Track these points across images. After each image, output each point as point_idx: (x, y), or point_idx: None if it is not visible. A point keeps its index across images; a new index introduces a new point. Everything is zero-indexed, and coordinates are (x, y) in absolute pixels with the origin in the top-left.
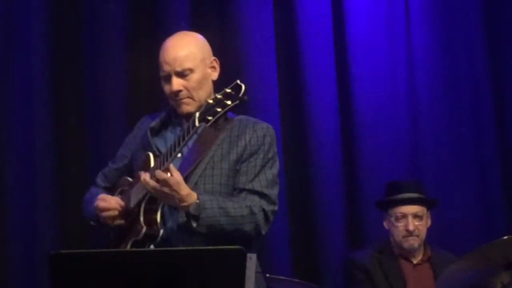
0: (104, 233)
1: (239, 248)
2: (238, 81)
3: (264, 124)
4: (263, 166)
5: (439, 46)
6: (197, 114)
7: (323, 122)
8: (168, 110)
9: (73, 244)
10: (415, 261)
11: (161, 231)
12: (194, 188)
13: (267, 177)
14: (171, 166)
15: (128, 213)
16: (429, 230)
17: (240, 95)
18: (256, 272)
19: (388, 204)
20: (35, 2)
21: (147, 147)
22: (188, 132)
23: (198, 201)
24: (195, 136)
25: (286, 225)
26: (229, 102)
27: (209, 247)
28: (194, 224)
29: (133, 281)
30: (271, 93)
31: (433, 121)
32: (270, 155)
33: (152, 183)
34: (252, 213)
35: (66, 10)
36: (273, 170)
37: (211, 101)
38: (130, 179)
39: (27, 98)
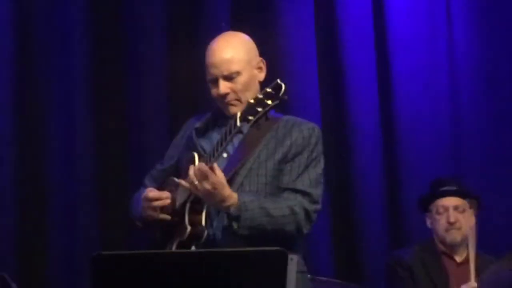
0: (149, 235)
1: (281, 249)
2: (278, 81)
3: (311, 125)
4: (307, 166)
5: (480, 43)
6: (239, 114)
7: (364, 121)
8: (214, 111)
9: (114, 246)
10: (459, 260)
11: (205, 232)
12: (240, 188)
13: (310, 176)
14: (215, 166)
15: (174, 214)
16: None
17: (280, 94)
18: (302, 272)
19: (429, 199)
20: (75, 5)
21: (192, 147)
22: (230, 132)
23: (239, 202)
24: (241, 136)
25: (328, 225)
26: (269, 102)
27: (251, 248)
28: (235, 226)
29: (174, 282)
30: (311, 92)
31: (475, 119)
32: (314, 155)
33: (194, 176)
34: (294, 213)
35: (106, 13)
36: (317, 170)
37: (252, 101)
38: (176, 179)
39: (67, 101)
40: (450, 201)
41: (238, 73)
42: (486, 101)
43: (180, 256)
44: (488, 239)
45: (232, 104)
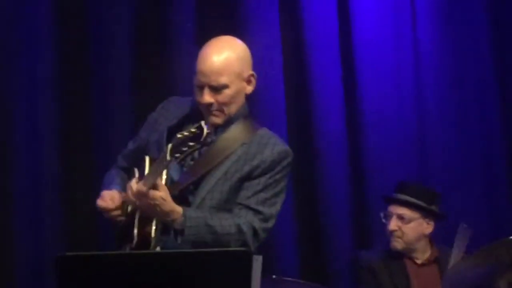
0: (114, 228)
1: (245, 250)
2: (202, 123)
3: (284, 148)
4: (266, 186)
5: (445, 44)
6: (169, 148)
7: (329, 122)
8: (192, 110)
9: (79, 247)
10: (419, 262)
11: (152, 243)
12: (201, 202)
13: (266, 195)
14: (159, 182)
15: (128, 215)
16: (436, 227)
17: (202, 139)
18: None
19: (385, 202)
20: (41, 8)
21: (160, 145)
22: (162, 163)
23: (183, 218)
24: (209, 147)
25: (293, 225)
26: (192, 144)
27: (216, 249)
28: (179, 240)
29: (139, 282)
30: (277, 94)
31: (439, 119)
32: (277, 177)
33: (133, 195)
34: (240, 231)
35: (72, 16)
36: (275, 190)
37: (180, 136)
38: (135, 172)
39: (32, 104)
40: (396, 209)
41: (225, 86)
42: (449, 102)
43: (146, 257)
44: (452, 234)
45: (214, 115)
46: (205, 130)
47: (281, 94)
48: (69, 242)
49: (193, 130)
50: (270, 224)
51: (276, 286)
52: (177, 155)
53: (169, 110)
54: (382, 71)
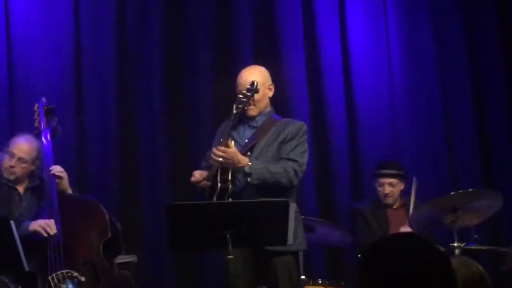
0: (203, 191)
1: (285, 200)
2: (253, 80)
3: (301, 123)
4: (296, 146)
5: (410, 73)
6: (235, 106)
7: (336, 118)
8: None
9: (182, 198)
10: (394, 207)
11: (230, 186)
12: (257, 157)
13: (298, 151)
14: (229, 142)
15: (213, 178)
16: (405, 185)
17: (254, 88)
18: (296, 212)
19: (375, 176)
20: (153, 44)
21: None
22: (230, 119)
23: (249, 163)
24: (255, 130)
25: (312, 183)
26: (249, 94)
27: (266, 199)
28: (249, 179)
29: (219, 221)
30: (302, 102)
31: (405, 117)
32: (301, 140)
33: (218, 155)
34: (286, 171)
35: (174, 49)
36: (302, 148)
37: (240, 96)
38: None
39: (150, 104)
40: (385, 180)
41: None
42: (410, 109)
43: (223, 205)
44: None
45: (250, 109)
46: (256, 83)
47: (305, 103)
48: (173, 198)
49: (248, 87)
50: (303, 167)
51: (304, 223)
52: (240, 106)
53: (222, 127)
54: (369, 91)
